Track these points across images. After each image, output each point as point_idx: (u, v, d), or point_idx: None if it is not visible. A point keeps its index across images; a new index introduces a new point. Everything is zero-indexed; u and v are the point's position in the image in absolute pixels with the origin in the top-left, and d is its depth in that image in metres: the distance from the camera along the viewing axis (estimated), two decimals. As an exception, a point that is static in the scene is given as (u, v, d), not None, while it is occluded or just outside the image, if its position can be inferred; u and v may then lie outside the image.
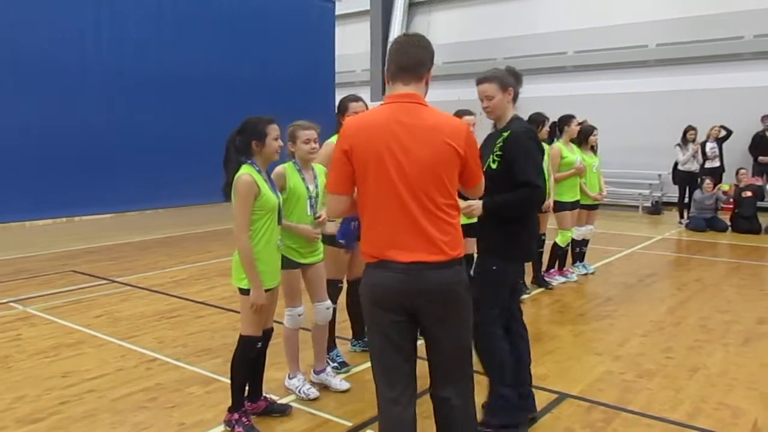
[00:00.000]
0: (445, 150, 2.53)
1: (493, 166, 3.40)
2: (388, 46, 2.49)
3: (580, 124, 7.24)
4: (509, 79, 3.49)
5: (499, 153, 3.42)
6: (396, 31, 19.13)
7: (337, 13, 15.96)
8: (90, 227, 11.15)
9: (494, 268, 3.44)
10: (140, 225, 11.23)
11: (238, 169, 3.41)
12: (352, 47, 19.72)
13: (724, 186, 11.73)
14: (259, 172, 3.46)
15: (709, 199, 11.03)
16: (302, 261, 3.89)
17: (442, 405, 2.67)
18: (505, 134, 3.43)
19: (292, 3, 14.67)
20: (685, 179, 11.57)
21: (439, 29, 19.08)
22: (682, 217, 11.71)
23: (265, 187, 3.43)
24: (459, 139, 2.56)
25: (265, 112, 3.61)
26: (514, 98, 3.53)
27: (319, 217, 3.86)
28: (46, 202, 10.86)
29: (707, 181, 11.19)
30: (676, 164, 11.73)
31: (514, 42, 16.58)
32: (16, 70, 10.33)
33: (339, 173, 2.60)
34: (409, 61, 2.62)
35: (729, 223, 10.98)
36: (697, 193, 11.21)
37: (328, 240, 4.08)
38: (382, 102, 2.68)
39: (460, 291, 2.60)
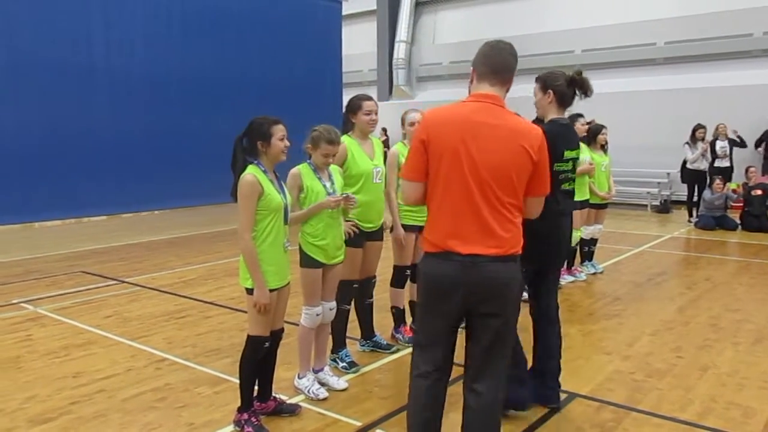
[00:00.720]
0: (520, 153, 2.64)
1: None
2: (482, 47, 2.84)
3: (588, 123, 7.21)
4: (555, 82, 3.61)
5: None
6: (402, 30, 19.13)
7: (343, 13, 15.96)
8: (99, 228, 11.20)
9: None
10: (149, 225, 11.28)
11: (244, 170, 3.43)
12: (359, 47, 19.73)
13: (733, 185, 11.65)
14: (265, 172, 3.46)
15: (719, 198, 10.97)
16: (327, 262, 3.92)
17: (471, 396, 2.79)
18: None
19: (298, 3, 14.68)
20: (693, 178, 11.50)
21: (446, 28, 19.08)
22: (691, 215, 11.66)
23: (269, 187, 3.43)
24: (534, 144, 2.67)
25: (273, 113, 3.63)
26: (561, 101, 3.64)
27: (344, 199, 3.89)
28: (55, 203, 10.90)
29: (717, 180, 11.12)
30: (684, 163, 11.67)
31: (521, 41, 16.34)
32: (23, 72, 10.38)
33: (415, 161, 2.72)
34: (501, 65, 2.75)
35: (739, 222, 10.92)
36: (706, 193, 11.13)
37: (346, 240, 4.09)
38: (463, 99, 2.81)
39: (513, 287, 2.70)
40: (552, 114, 3.68)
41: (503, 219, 2.64)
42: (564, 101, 3.66)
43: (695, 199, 11.58)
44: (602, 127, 7.43)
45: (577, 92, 3.66)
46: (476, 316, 2.71)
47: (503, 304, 2.69)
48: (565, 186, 3.76)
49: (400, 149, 4.75)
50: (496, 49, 2.78)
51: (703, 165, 11.44)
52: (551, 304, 3.88)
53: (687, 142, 11.43)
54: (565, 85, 3.62)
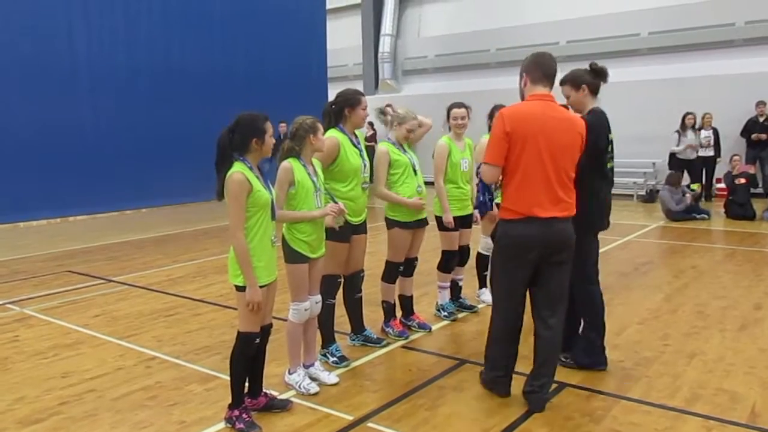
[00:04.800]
0: (577, 137, 3.59)
1: None
2: (532, 57, 3.68)
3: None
4: (583, 77, 4.14)
5: None
6: (388, 24, 19.07)
7: (327, 7, 15.91)
8: (85, 227, 11.10)
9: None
10: (135, 224, 11.20)
11: (229, 167, 3.39)
12: (344, 41, 19.66)
13: (694, 186, 11.64)
14: (251, 169, 3.44)
15: (678, 197, 10.81)
16: (311, 255, 3.91)
17: (541, 324, 3.68)
18: None
19: (282, -3, 14.60)
20: (681, 167, 11.52)
21: (430, 21, 19.04)
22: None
23: (257, 184, 3.41)
24: (583, 130, 3.65)
25: (258, 108, 3.60)
26: (594, 91, 4.15)
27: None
28: (40, 202, 10.82)
29: (676, 175, 11.06)
30: (673, 152, 11.70)
31: (506, 33, 16.56)
32: (4, 70, 10.26)
33: (499, 149, 3.53)
34: (551, 71, 3.63)
35: (723, 210, 11.02)
36: (664, 194, 11.00)
37: (329, 235, 4.09)
38: (529, 98, 3.62)
39: (573, 242, 3.62)
40: (589, 105, 4.16)
41: (568, 189, 3.55)
42: (595, 91, 4.18)
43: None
44: None
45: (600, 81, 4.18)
46: (548, 265, 3.57)
47: (569, 255, 3.62)
48: (610, 164, 4.26)
49: (389, 147, 4.76)
50: (546, 58, 3.64)
51: (693, 155, 11.44)
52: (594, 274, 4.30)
53: (677, 130, 11.45)
54: (591, 78, 4.16)
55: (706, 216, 10.70)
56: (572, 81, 4.17)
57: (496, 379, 3.88)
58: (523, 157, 3.46)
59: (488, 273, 4.50)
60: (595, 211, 4.09)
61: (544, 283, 3.63)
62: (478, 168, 4.52)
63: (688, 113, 11.35)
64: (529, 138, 3.44)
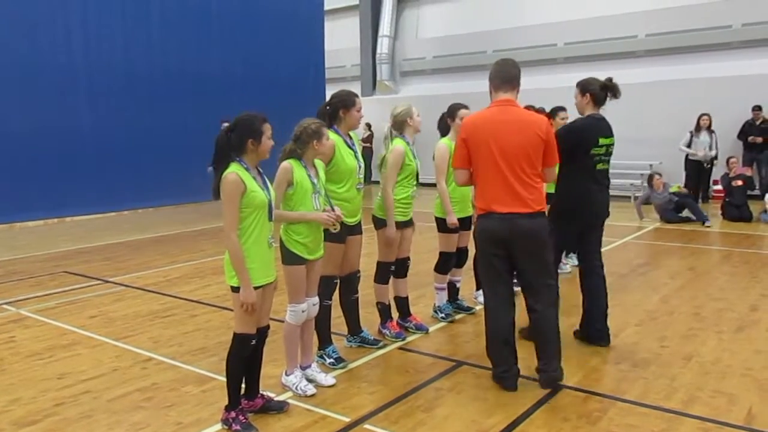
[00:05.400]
0: (533, 137, 3.83)
1: None
2: (494, 65, 4.02)
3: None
4: (591, 86, 4.62)
5: None
6: (385, 25, 19.08)
7: (325, 8, 15.90)
8: (81, 228, 11.08)
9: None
10: (132, 224, 11.19)
11: (226, 168, 3.38)
12: (342, 42, 19.66)
13: (674, 187, 11.65)
14: (247, 169, 3.42)
15: (663, 198, 10.81)
16: (309, 257, 3.90)
17: (532, 313, 3.98)
18: None
19: (280, -2, 14.59)
20: (694, 168, 11.39)
21: (428, 23, 19.05)
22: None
23: (252, 185, 3.40)
24: (542, 129, 3.88)
25: (256, 109, 3.58)
26: (597, 101, 4.64)
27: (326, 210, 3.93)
28: (37, 203, 10.78)
29: (656, 177, 11.01)
30: (686, 153, 11.65)
31: (504, 35, 16.56)
32: (3, 72, 10.23)
33: (460, 154, 3.98)
34: (509, 76, 3.93)
35: (720, 212, 11.03)
36: (650, 194, 10.96)
37: (324, 236, 4.09)
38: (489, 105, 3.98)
39: (543, 235, 3.88)
40: (588, 111, 4.65)
41: (528, 185, 3.80)
42: (598, 101, 4.63)
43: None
44: None
45: (608, 95, 4.65)
46: (519, 257, 3.88)
47: (539, 247, 3.88)
48: (599, 166, 4.65)
49: (407, 149, 4.82)
50: (504, 65, 3.95)
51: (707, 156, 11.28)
52: (594, 260, 4.77)
53: (691, 131, 11.37)
54: (598, 89, 4.59)
55: (707, 221, 10.32)
56: (581, 86, 4.65)
57: (501, 375, 4.03)
58: (480, 160, 3.86)
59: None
60: (573, 205, 4.58)
61: (521, 273, 3.97)
62: None
63: (703, 114, 11.27)
64: (482, 143, 3.83)
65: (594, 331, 4.77)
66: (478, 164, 3.89)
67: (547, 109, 6.99)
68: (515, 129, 3.81)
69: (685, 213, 10.65)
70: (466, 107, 5.28)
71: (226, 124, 3.48)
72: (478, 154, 3.86)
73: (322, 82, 15.61)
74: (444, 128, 5.37)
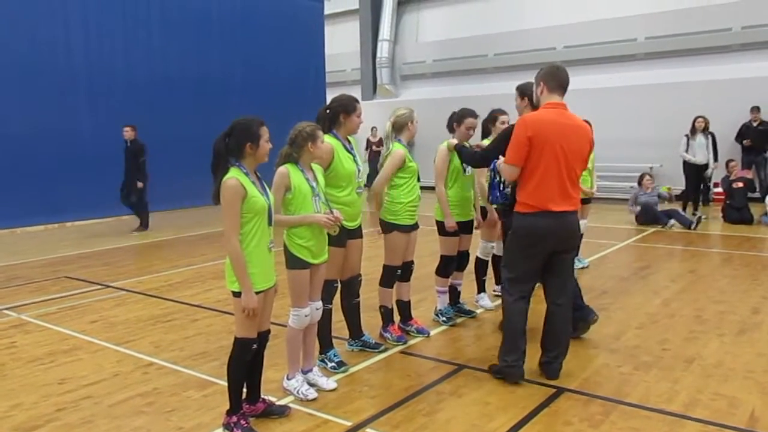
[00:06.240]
0: (587, 141, 4.14)
1: None
2: (549, 68, 4.15)
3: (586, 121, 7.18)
4: (529, 90, 4.57)
5: None
6: (385, 29, 19.12)
7: (326, 12, 15.94)
8: (82, 232, 11.09)
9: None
10: (132, 229, 11.16)
11: (225, 173, 3.38)
12: (342, 46, 19.70)
13: (663, 188, 11.63)
14: (247, 174, 3.42)
15: (649, 196, 10.79)
16: (313, 261, 3.90)
17: (555, 307, 4.20)
18: None
19: (280, 3, 14.64)
20: (692, 171, 11.37)
21: (428, 27, 19.10)
22: (684, 209, 11.33)
23: (252, 190, 3.39)
24: (591, 136, 4.22)
25: (257, 113, 3.58)
26: (534, 105, 4.52)
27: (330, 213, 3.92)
28: (37, 208, 10.80)
29: (647, 177, 11.01)
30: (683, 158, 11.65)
31: (503, 38, 16.61)
32: (3, 76, 10.26)
33: (520, 151, 3.99)
34: (565, 82, 4.11)
35: (721, 214, 11.03)
36: (637, 193, 10.95)
37: (328, 240, 4.09)
38: (545, 105, 4.10)
39: (579, 231, 4.29)
40: (527, 113, 4.45)
41: (575, 186, 4.07)
42: (535, 105, 4.49)
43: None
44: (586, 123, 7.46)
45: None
46: (561, 253, 4.09)
47: (576, 243, 4.30)
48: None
49: (406, 152, 4.82)
50: (560, 70, 4.11)
51: (702, 159, 11.29)
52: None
53: (686, 134, 11.34)
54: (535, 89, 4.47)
55: (693, 225, 10.20)
56: (520, 90, 4.79)
57: (512, 364, 4.14)
58: (543, 159, 3.93)
59: (502, 263, 4.46)
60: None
61: (555, 270, 4.14)
62: (492, 166, 4.65)
63: (698, 117, 11.25)
64: (547, 143, 3.92)
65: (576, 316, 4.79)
66: (538, 163, 3.94)
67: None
68: (576, 132, 4.03)
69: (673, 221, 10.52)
70: (474, 116, 5.23)
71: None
72: (541, 154, 3.93)
73: (323, 86, 15.65)
74: (453, 128, 5.31)
